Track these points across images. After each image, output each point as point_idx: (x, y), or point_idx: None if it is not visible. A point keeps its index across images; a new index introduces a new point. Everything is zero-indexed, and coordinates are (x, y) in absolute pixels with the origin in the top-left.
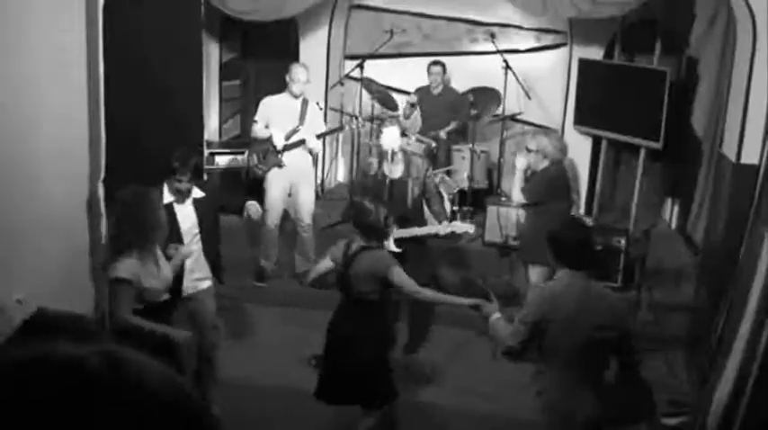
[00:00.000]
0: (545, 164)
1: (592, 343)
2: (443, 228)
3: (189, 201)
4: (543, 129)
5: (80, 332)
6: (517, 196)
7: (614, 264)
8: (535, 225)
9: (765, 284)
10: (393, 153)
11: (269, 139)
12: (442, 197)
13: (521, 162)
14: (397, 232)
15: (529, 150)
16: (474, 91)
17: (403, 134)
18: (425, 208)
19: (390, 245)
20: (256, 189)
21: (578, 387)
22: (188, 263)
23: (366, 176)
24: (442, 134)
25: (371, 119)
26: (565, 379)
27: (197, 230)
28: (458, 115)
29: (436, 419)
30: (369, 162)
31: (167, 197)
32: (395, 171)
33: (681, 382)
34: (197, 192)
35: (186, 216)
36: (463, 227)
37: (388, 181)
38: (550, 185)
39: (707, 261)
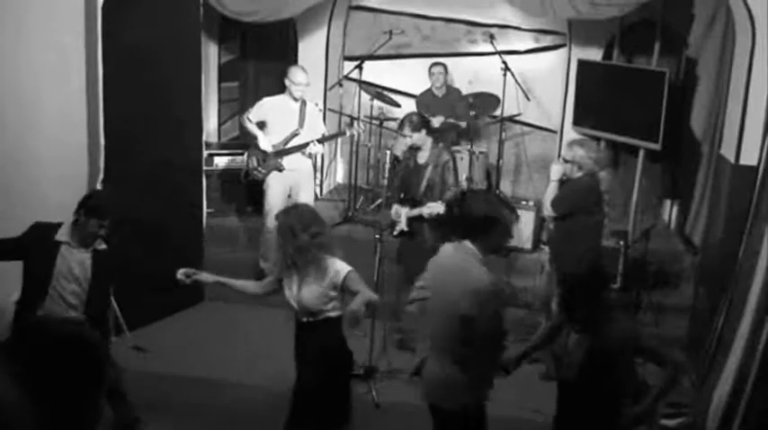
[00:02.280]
0: (579, 174)
1: (451, 318)
2: (426, 210)
3: (89, 250)
4: (580, 139)
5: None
6: (548, 208)
7: (614, 265)
8: (565, 236)
9: (765, 283)
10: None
11: (256, 142)
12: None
13: (555, 171)
14: (408, 211)
15: (565, 160)
16: (474, 96)
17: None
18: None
19: (402, 224)
20: (256, 190)
21: (443, 368)
22: (64, 295)
23: (401, 161)
24: (435, 123)
25: (371, 119)
26: (435, 359)
27: (88, 277)
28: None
29: None
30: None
31: (63, 235)
32: (420, 157)
33: (681, 383)
34: (100, 244)
35: (79, 261)
36: (436, 207)
37: (412, 164)
38: (581, 197)
39: (706, 261)
